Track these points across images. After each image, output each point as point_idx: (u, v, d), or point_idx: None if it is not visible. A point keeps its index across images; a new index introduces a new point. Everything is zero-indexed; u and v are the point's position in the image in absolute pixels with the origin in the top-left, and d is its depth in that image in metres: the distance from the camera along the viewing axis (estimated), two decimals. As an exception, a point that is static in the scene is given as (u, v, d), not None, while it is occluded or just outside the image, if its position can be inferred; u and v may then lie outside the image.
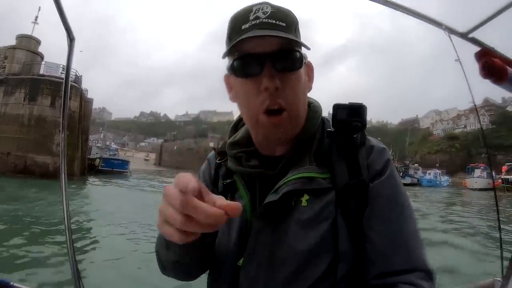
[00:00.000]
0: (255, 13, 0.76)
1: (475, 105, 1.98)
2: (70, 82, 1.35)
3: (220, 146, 0.99)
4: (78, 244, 7.67)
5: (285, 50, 0.77)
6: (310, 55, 0.85)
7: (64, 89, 1.31)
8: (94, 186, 21.79)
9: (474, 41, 1.32)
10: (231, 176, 0.90)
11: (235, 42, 0.75)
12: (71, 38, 1.25)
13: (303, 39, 0.80)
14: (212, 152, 1.02)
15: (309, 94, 0.91)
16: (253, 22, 0.75)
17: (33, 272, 6.11)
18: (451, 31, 1.39)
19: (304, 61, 0.82)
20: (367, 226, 0.78)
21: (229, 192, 0.89)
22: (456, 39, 1.40)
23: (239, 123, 0.99)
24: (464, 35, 1.37)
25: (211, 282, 0.90)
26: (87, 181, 23.99)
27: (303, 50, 0.82)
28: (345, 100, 0.86)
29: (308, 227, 0.77)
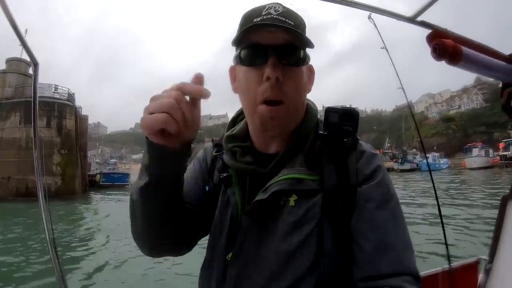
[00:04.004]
0: (267, 9, 0.80)
1: (402, 88, 1.95)
2: (37, 103, 1.42)
3: (218, 138, 1.02)
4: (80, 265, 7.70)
5: (291, 45, 0.80)
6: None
7: (33, 111, 1.39)
8: (97, 203, 21.73)
9: (424, 24, 1.28)
10: (227, 170, 0.91)
11: (245, 28, 0.79)
12: (35, 64, 1.34)
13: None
14: (210, 143, 1.04)
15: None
16: (264, 17, 0.79)
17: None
18: (397, 16, 1.34)
19: (307, 60, 0.85)
20: (355, 229, 0.78)
21: (224, 186, 0.92)
22: (404, 24, 1.34)
23: (238, 116, 1.01)
24: (412, 19, 1.32)
25: (202, 274, 0.93)
26: (89, 198, 23.93)
27: (308, 51, 0.86)
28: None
29: (294, 227, 0.79)
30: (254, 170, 0.87)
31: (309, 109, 0.94)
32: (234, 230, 0.86)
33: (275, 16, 0.79)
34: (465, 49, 1.16)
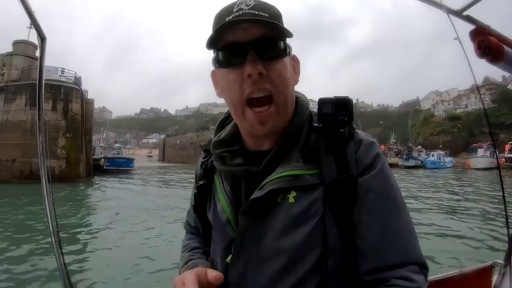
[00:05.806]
0: (238, 6, 0.77)
1: (477, 86, 1.90)
2: (44, 81, 1.39)
3: (205, 143, 1.01)
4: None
5: (268, 38, 0.78)
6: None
7: (38, 88, 1.35)
8: (101, 187, 21.87)
9: (469, 19, 1.27)
10: (208, 176, 0.94)
11: (217, 28, 0.76)
12: (42, 38, 1.30)
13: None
14: (202, 152, 1.03)
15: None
16: (236, 14, 0.76)
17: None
18: (447, 9, 1.34)
19: (288, 50, 0.82)
20: (358, 221, 0.77)
21: (207, 193, 0.95)
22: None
23: (226, 120, 0.98)
24: (458, 13, 1.31)
25: None
26: (93, 182, 24.16)
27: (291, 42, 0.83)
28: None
29: (296, 223, 0.77)
30: (245, 171, 0.85)
31: (300, 102, 0.91)
32: (230, 232, 0.85)
33: (247, 11, 0.76)
34: (506, 48, 1.13)
